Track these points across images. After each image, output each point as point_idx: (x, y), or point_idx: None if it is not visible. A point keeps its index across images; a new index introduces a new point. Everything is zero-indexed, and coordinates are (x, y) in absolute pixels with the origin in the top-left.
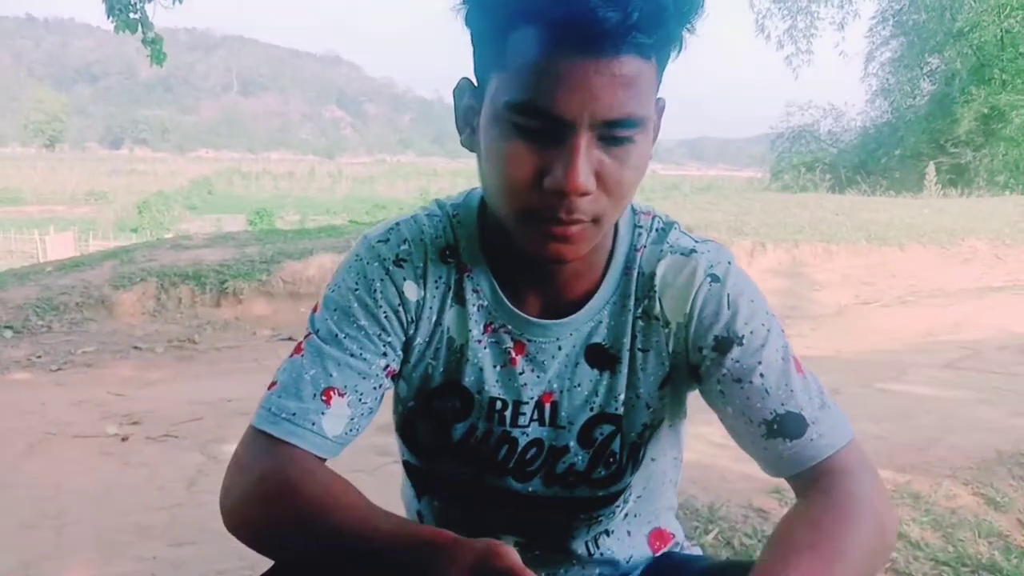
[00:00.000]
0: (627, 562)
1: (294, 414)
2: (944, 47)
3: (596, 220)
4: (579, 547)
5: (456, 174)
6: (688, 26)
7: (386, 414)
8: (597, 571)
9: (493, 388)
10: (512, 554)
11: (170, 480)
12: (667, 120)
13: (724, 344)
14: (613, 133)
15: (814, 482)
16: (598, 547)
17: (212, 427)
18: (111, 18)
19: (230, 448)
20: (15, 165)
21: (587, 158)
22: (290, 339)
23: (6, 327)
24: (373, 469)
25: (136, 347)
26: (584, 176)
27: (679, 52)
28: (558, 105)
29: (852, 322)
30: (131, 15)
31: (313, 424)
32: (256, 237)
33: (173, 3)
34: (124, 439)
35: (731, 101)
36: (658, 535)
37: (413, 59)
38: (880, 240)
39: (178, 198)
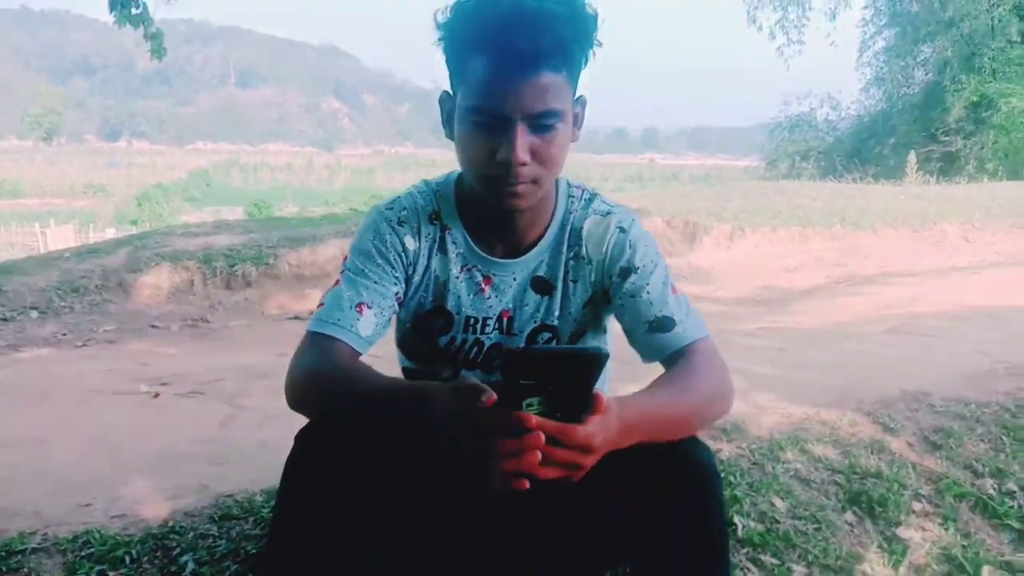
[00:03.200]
0: None
1: (338, 320)
2: (936, 36)
3: (535, 181)
4: None
5: (454, 163)
6: (588, 50)
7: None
8: None
9: (468, 309)
10: (475, 380)
11: (203, 423)
12: (664, 110)
13: (625, 272)
14: (539, 122)
15: (676, 360)
16: None
17: (235, 386)
18: (113, 12)
19: (254, 401)
20: (13, 158)
21: (523, 140)
22: (296, 318)
23: (32, 308)
24: None
25: (153, 326)
26: (521, 152)
27: (587, 63)
28: (501, 107)
29: (819, 300)
30: (133, 10)
31: (352, 327)
32: (261, 225)
33: None
34: (156, 396)
35: (729, 90)
36: None
37: (411, 50)
38: (854, 224)
39: (177, 190)
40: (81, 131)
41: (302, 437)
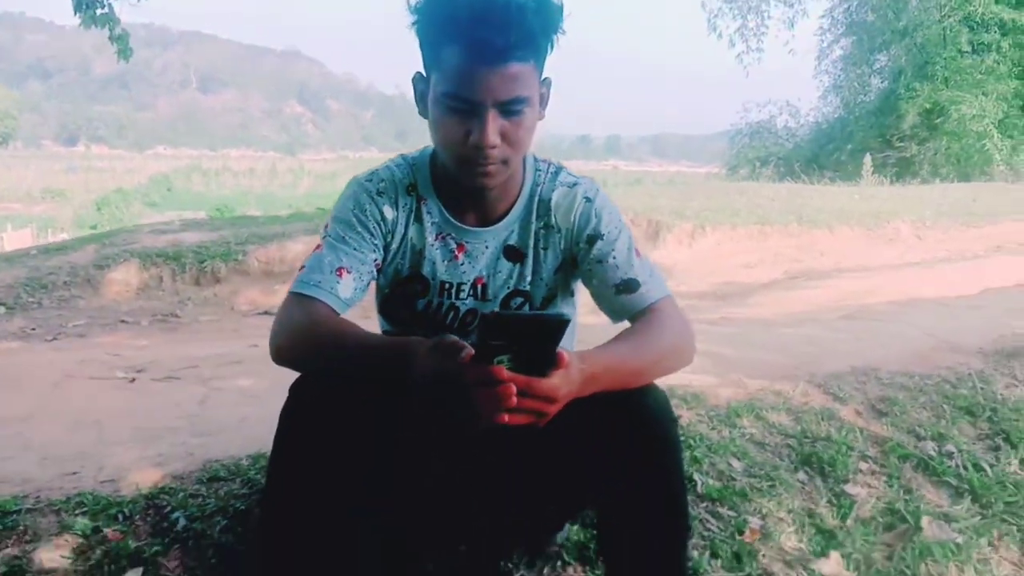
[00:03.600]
0: None
1: (319, 282)
2: (891, 45)
3: (504, 161)
4: None
5: None
6: (553, 37)
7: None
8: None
9: (443, 275)
10: (454, 338)
11: (182, 402)
12: (628, 118)
13: (592, 239)
14: (509, 108)
15: (640, 317)
16: None
17: (209, 372)
18: (78, 14)
19: (231, 383)
20: None
21: (494, 125)
22: (266, 313)
23: (0, 304)
24: None
25: (123, 320)
26: (492, 136)
27: (553, 49)
28: (474, 94)
29: (777, 293)
30: (98, 11)
31: (332, 289)
32: (229, 223)
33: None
34: (132, 380)
35: (690, 98)
36: None
37: (375, 55)
38: (811, 223)
39: (137, 195)
40: (38, 135)
41: (295, 389)
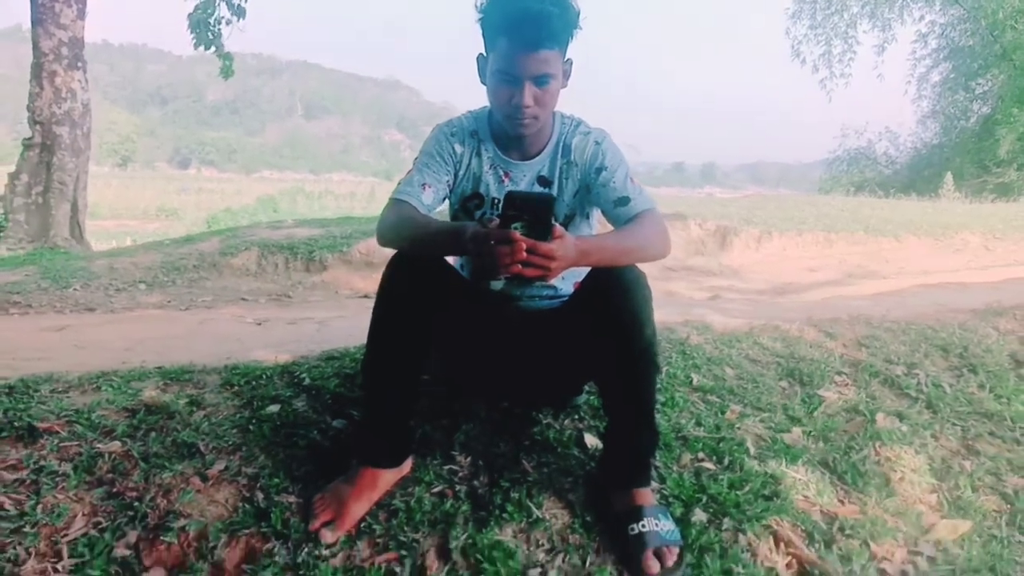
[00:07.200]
0: (561, 291)
1: (409, 192)
2: (989, 69)
3: (535, 117)
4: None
5: None
6: (573, 32)
7: None
8: (545, 292)
9: (494, 192)
10: (490, 216)
11: (303, 332)
12: (724, 145)
13: (599, 170)
14: (539, 80)
15: (628, 221)
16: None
17: (323, 319)
18: (193, 34)
19: (339, 323)
20: (91, 183)
21: (529, 92)
22: (366, 296)
23: (141, 282)
24: None
25: (243, 298)
26: (528, 100)
27: (573, 39)
28: (516, 70)
29: (832, 288)
30: (209, 34)
31: (418, 197)
32: (336, 222)
33: (242, 25)
34: (259, 324)
35: (790, 125)
36: (578, 284)
37: (469, 84)
38: (877, 231)
39: (245, 214)
40: (153, 158)
41: (392, 261)
